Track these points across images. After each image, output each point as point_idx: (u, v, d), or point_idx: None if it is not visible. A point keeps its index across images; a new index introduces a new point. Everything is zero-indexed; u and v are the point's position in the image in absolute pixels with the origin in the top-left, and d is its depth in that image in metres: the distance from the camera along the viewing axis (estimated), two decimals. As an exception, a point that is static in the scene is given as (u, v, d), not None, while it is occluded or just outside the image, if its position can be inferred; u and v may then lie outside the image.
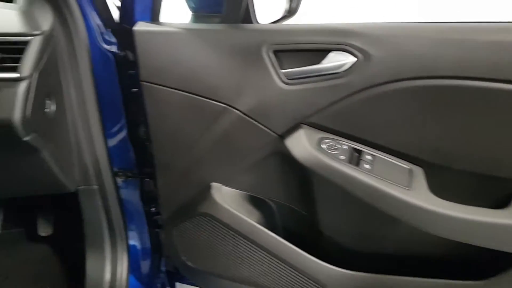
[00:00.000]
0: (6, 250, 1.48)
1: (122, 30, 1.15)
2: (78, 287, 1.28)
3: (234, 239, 1.10)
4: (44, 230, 1.48)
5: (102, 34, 1.13)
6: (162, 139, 1.11)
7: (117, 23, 1.18)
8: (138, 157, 1.28)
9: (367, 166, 0.98)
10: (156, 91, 1.05)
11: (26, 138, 0.95)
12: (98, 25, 1.12)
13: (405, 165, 1.01)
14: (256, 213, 1.12)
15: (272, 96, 1.01)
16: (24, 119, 0.91)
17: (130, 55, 1.17)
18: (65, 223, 1.49)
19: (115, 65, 1.17)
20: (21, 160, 1.02)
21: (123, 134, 1.25)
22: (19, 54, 0.91)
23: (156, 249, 1.37)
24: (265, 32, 1.02)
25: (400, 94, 0.95)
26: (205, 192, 1.11)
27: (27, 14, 0.95)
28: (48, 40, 0.96)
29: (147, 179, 1.30)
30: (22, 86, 0.91)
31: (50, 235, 1.49)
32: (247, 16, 1.06)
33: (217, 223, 1.10)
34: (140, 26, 1.03)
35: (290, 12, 1.16)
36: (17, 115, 0.90)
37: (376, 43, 0.94)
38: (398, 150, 1.00)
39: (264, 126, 1.03)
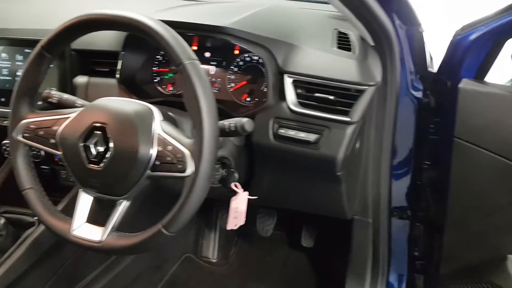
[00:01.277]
0: (272, 248, 1.69)
1: (434, 79, 1.16)
2: None
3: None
4: (306, 241, 1.62)
5: (412, 80, 1.16)
6: (462, 196, 1.08)
7: (429, 72, 1.19)
8: (414, 201, 1.29)
9: None
10: (468, 149, 1.03)
11: (339, 173, 1.04)
12: (411, 72, 1.16)
13: None
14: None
15: None
16: (344, 158, 1.01)
17: (432, 102, 1.18)
18: (326, 241, 1.61)
19: (417, 110, 1.20)
20: (326, 187, 1.13)
21: (407, 175, 1.27)
22: (352, 100, 1.00)
23: (410, 293, 1.37)
24: None
25: None
26: (498, 262, 1.04)
27: (363, 64, 1.04)
28: (378, 89, 1.03)
29: (418, 223, 1.31)
30: (350, 130, 1.00)
31: (311, 247, 1.63)
32: None
33: (508, 299, 1.03)
34: (466, 84, 1.02)
35: None
36: (340, 154, 1.00)
37: None
38: None
39: None
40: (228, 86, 1.16)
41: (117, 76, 1.15)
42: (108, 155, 0.81)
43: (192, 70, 0.78)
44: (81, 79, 1.21)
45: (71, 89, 1.21)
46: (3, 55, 1.25)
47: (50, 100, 1.02)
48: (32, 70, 0.91)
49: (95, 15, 0.84)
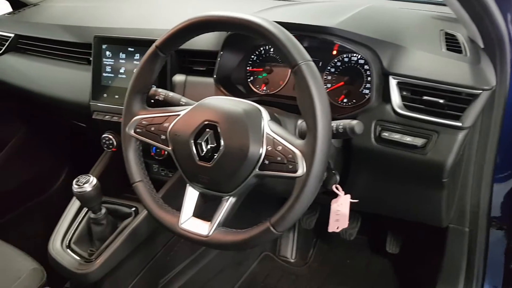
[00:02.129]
0: (353, 251, 1.66)
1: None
2: None
3: None
4: (391, 247, 1.59)
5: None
6: None
7: (542, 76, 1.13)
8: (514, 210, 1.23)
9: None
10: None
11: (445, 180, 1.01)
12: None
13: None
14: None
15: None
16: (452, 164, 0.97)
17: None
18: (413, 248, 1.57)
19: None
20: (427, 194, 1.10)
21: (508, 185, 1.21)
22: (465, 104, 0.96)
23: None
24: None
25: None
26: None
27: (476, 67, 0.99)
28: (491, 94, 0.98)
29: (519, 235, 1.24)
30: (461, 135, 0.96)
31: (395, 253, 1.59)
32: None
33: None
34: None
35: None
36: (449, 160, 0.97)
37: None
38: None
39: None
40: (324, 87, 1.15)
41: (215, 75, 1.17)
42: (218, 152, 0.83)
43: (308, 71, 0.78)
44: (179, 78, 1.25)
45: (170, 87, 1.25)
46: (107, 53, 1.31)
47: (157, 97, 1.06)
48: (146, 69, 0.94)
49: (212, 16, 0.86)
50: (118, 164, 0.99)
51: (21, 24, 1.60)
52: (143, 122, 0.95)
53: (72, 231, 1.26)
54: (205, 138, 0.85)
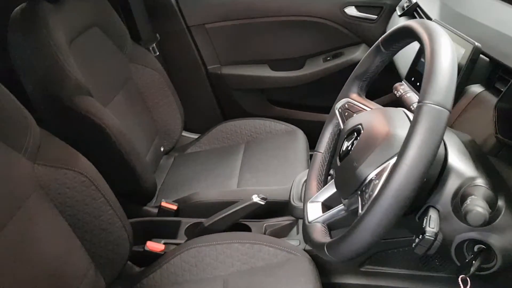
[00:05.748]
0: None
1: None
2: None
3: None
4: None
5: None
6: None
7: None
8: None
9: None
10: None
11: None
12: None
13: None
14: None
15: None
16: None
17: None
18: None
19: None
20: None
21: None
22: None
23: None
24: None
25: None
26: None
27: None
28: None
29: None
30: None
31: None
32: None
33: None
34: None
35: None
36: None
37: None
38: None
39: None
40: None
41: (498, 101, 0.96)
42: (347, 157, 0.83)
43: (426, 116, 0.62)
44: (473, 89, 1.08)
45: (457, 93, 1.10)
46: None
47: (394, 92, 1.03)
48: (367, 59, 0.96)
49: (412, 24, 0.78)
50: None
51: (443, 8, 1.56)
52: (347, 105, 1.00)
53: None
54: (351, 140, 0.85)
